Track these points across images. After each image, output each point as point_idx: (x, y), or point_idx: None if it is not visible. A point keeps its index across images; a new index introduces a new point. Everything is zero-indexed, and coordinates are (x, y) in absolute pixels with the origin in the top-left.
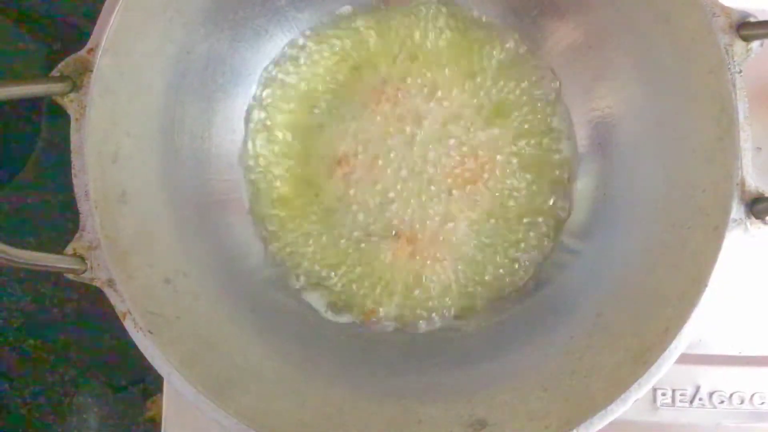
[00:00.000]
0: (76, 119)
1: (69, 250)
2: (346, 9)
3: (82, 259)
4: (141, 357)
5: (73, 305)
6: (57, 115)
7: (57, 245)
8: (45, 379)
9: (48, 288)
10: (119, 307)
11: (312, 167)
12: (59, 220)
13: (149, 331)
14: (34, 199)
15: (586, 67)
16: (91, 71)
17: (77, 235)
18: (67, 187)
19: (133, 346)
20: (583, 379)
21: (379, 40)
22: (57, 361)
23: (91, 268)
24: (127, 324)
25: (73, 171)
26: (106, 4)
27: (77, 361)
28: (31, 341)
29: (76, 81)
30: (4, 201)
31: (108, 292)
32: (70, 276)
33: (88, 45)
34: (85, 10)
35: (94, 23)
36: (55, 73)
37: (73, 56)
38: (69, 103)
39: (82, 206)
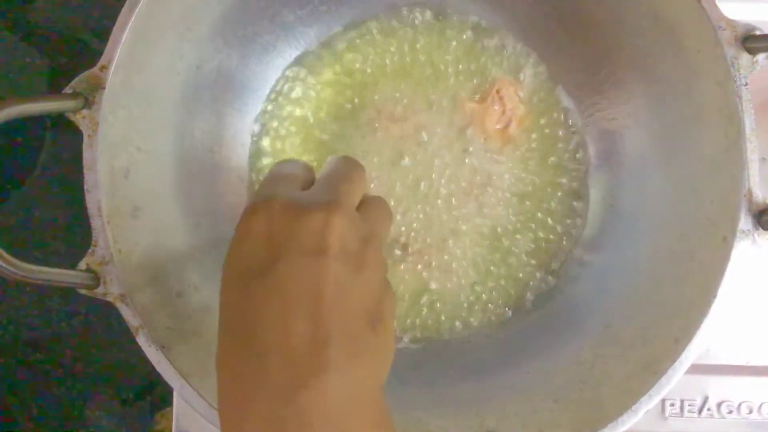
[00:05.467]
0: (89, 136)
1: (82, 265)
2: (352, 23)
3: (95, 274)
4: (148, 370)
5: (81, 319)
6: (61, 129)
7: (64, 259)
8: (53, 393)
9: (55, 302)
10: (132, 322)
11: None
12: (65, 234)
13: (162, 346)
14: (41, 214)
15: (594, 80)
16: (104, 88)
17: (90, 250)
18: (73, 202)
19: (141, 359)
20: (593, 389)
21: (384, 57)
22: (65, 375)
23: (104, 283)
24: (140, 339)
25: (85, 187)
26: (118, 21)
27: (85, 374)
28: (39, 355)
29: (89, 98)
30: (11, 215)
31: (121, 307)
32: (83, 291)
33: (101, 62)
34: (93, 25)
35: (101, 39)
36: (67, 89)
37: (85, 73)
38: (81, 120)
39: (95, 222)
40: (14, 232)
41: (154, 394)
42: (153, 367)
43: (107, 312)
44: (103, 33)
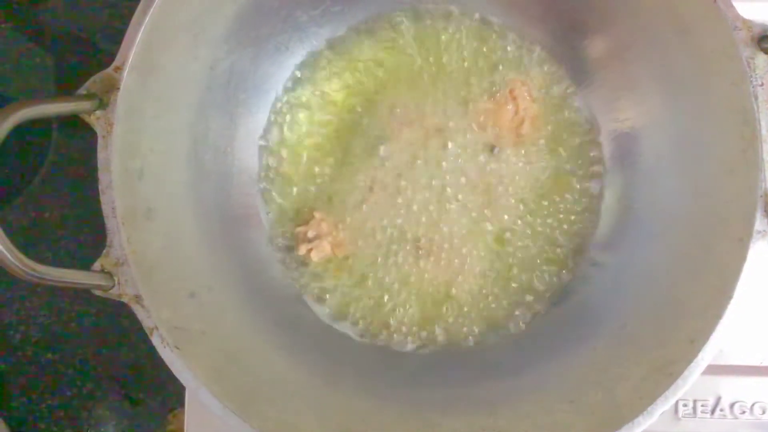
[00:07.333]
0: (103, 137)
1: (97, 266)
2: (364, 24)
3: (110, 275)
4: (159, 370)
5: (91, 319)
6: (68, 128)
7: (74, 260)
8: (63, 393)
9: (66, 302)
10: (146, 323)
11: (331, 192)
12: (76, 234)
13: (176, 347)
14: (51, 214)
15: (608, 80)
16: (118, 89)
17: (104, 251)
18: (83, 202)
19: (152, 359)
20: (608, 391)
21: (396, 58)
22: (75, 375)
23: (119, 284)
24: (155, 339)
25: (100, 188)
26: (132, 22)
27: (95, 374)
28: (50, 355)
29: (103, 98)
30: (23, 215)
31: (135, 308)
32: (98, 292)
33: (115, 63)
34: (102, 27)
35: (110, 40)
36: (82, 91)
37: (99, 74)
38: (96, 121)
39: (109, 222)
40: (26, 232)
41: (165, 395)
42: (164, 367)
43: (118, 312)
44: (112, 34)
